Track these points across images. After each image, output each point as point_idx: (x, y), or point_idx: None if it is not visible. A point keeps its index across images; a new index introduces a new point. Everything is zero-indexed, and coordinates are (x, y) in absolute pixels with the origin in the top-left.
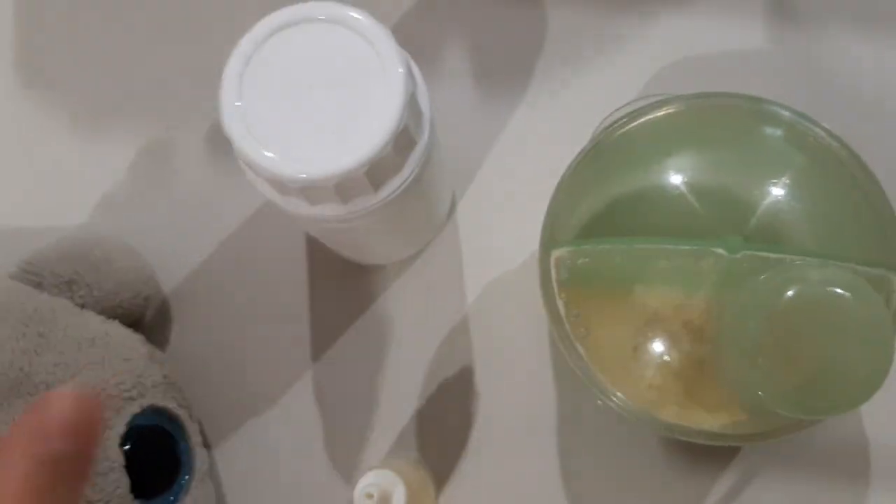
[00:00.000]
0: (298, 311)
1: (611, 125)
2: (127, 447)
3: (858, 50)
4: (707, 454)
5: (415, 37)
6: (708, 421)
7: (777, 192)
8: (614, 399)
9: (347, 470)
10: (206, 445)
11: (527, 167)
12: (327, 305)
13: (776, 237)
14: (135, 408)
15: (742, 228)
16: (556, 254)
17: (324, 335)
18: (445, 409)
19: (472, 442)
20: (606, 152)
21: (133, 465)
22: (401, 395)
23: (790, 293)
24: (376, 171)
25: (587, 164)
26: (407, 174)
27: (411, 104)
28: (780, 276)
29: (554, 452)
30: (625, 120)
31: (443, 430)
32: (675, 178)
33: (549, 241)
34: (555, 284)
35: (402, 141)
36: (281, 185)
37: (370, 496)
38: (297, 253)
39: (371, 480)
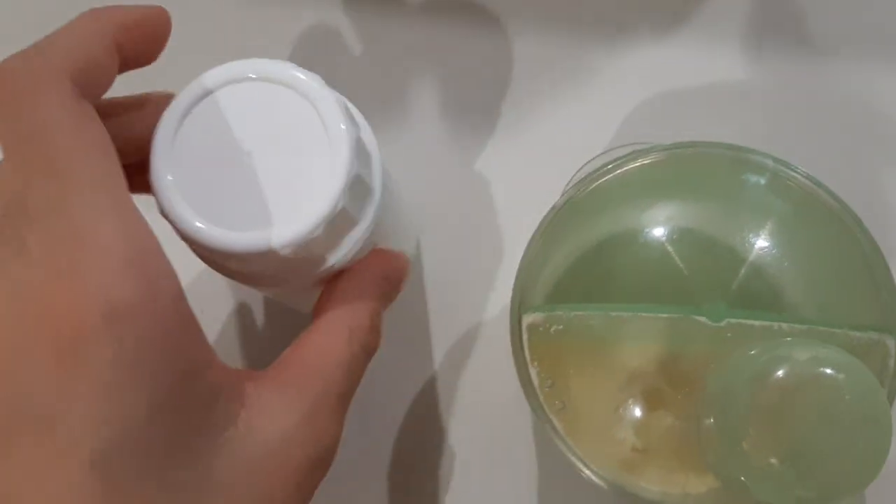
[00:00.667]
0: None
1: (584, 178)
2: None
3: (845, 78)
4: None
5: (375, 79)
6: (696, 484)
7: (762, 247)
8: (595, 471)
9: None
10: None
11: (497, 213)
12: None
13: (762, 298)
14: None
15: (726, 290)
16: (527, 319)
17: None
18: (417, 463)
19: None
20: (580, 208)
21: None
22: (369, 455)
23: (777, 374)
24: (312, 248)
25: (559, 221)
26: (348, 247)
27: (356, 185)
28: (766, 355)
29: None
30: (598, 173)
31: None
32: (654, 235)
33: (519, 304)
34: (527, 352)
35: (341, 222)
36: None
37: None
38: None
39: None
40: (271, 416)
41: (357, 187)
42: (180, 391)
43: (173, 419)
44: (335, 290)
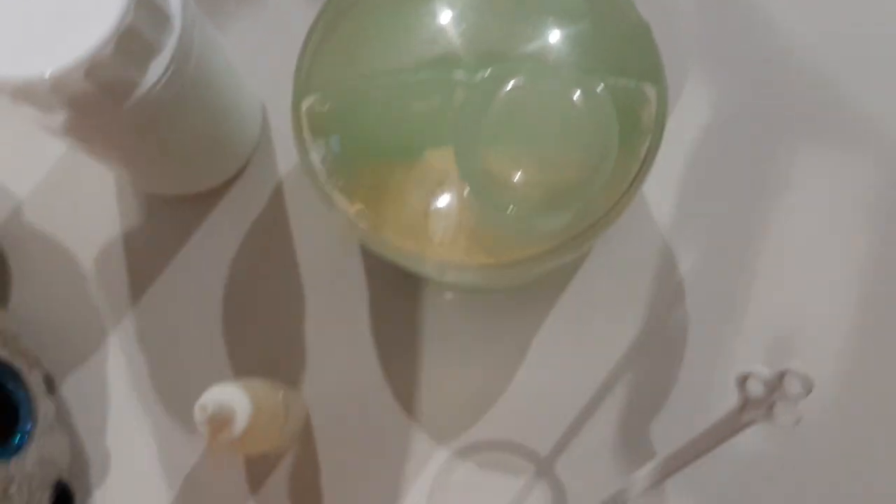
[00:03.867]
0: (115, 250)
1: None
2: None
3: None
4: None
5: None
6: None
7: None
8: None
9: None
10: (52, 393)
11: None
12: (142, 243)
13: (522, 51)
14: None
15: (495, 54)
16: (306, 104)
17: (142, 274)
18: (275, 332)
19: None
20: None
21: None
22: (232, 323)
23: (509, 86)
24: (111, 72)
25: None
26: (151, 82)
27: (148, 7)
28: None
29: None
30: None
31: (284, 345)
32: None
33: (299, 91)
34: (306, 135)
35: (134, 45)
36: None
37: (204, 409)
38: (108, 192)
39: (210, 395)
40: None
41: (150, 11)
42: None
43: None
44: None
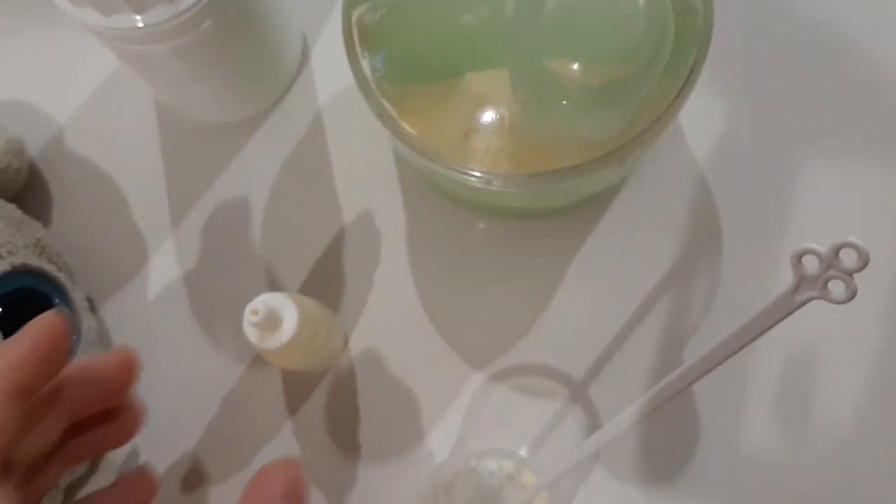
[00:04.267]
0: (156, 176)
1: None
2: None
3: None
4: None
5: None
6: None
7: None
8: (425, 151)
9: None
10: (94, 312)
11: None
12: (182, 169)
13: None
14: (4, 265)
15: None
16: (356, 14)
17: (182, 199)
18: (313, 258)
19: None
20: None
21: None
22: (271, 248)
23: None
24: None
25: None
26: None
27: None
28: None
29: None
30: None
31: (323, 271)
32: None
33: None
34: (357, 45)
35: None
36: None
37: (255, 312)
38: (149, 117)
39: (261, 300)
40: None
41: None
42: None
43: None
44: None
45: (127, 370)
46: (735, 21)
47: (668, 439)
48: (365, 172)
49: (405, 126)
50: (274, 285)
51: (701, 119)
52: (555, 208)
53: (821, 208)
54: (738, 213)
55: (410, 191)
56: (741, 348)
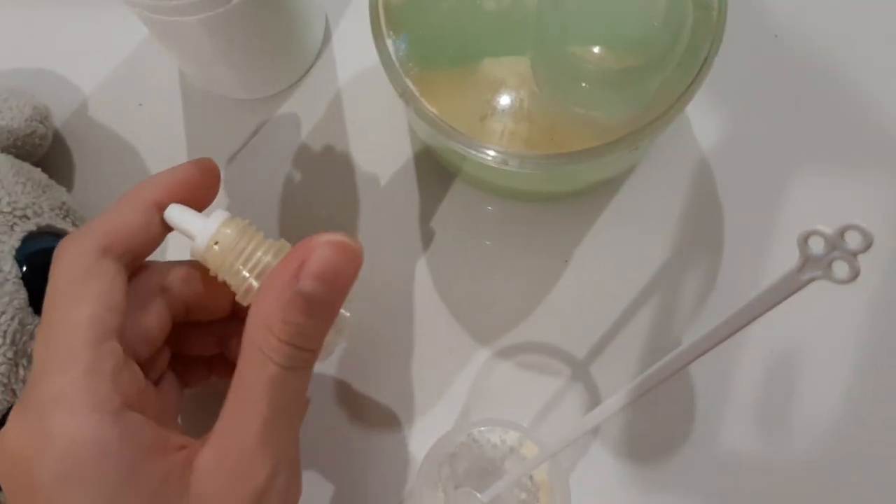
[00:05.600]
0: (177, 148)
1: None
2: (24, 268)
3: None
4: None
5: None
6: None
7: None
8: (448, 126)
9: None
10: None
11: None
12: (203, 142)
13: None
14: (30, 226)
15: None
16: None
17: None
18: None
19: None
20: None
21: (42, 287)
22: (288, 221)
23: None
24: None
25: None
26: None
27: None
28: None
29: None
30: None
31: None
32: None
33: None
34: (384, 25)
35: None
36: None
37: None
38: (173, 91)
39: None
40: (210, 479)
41: None
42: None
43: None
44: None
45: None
46: (746, 17)
47: (663, 418)
48: (381, 153)
49: (425, 103)
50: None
51: (707, 111)
52: (565, 192)
53: (821, 197)
54: (741, 202)
55: (425, 172)
56: (744, 325)
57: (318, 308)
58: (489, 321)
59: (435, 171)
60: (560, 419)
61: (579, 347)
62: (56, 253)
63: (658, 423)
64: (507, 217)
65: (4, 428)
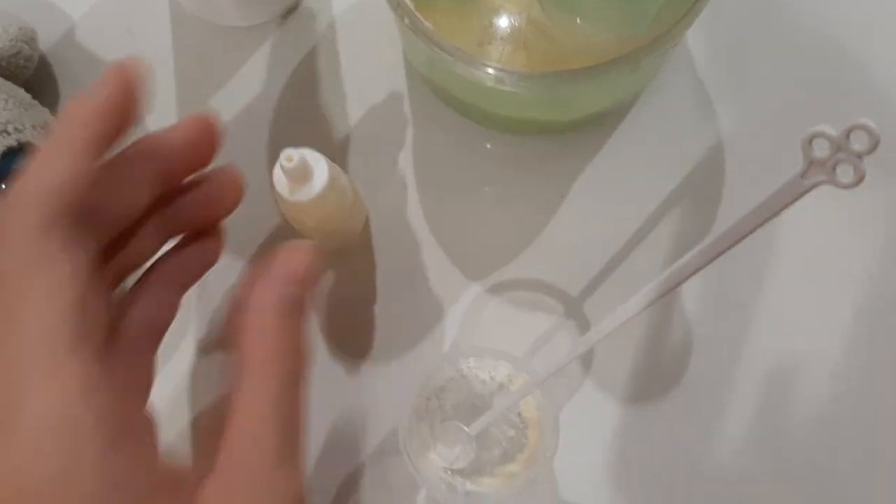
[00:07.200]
0: (167, 76)
1: None
2: (3, 186)
3: None
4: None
5: None
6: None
7: None
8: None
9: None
10: None
11: None
12: (193, 70)
13: None
14: (10, 141)
15: None
16: None
17: (191, 100)
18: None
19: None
20: None
21: None
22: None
23: None
24: None
25: None
26: None
27: None
28: None
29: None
30: None
31: None
32: None
33: None
34: None
35: None
36: None
37: (290, 159)
38: (163, 18)
39: (297, 150)
40: None
41: None
42: None
43: None
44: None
45: (208, 133)
46: None
47: (657, 357)
48: (375, 83)
49: (420, 17)
50: None
51: (709, 49)
52: (564, 123)
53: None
54: (743, 144)
55: (420, 103)
56: (747, 234)
57: (298, 307)
58: (482, 256)
59: (431, 103)
60: (552, 355)
61: (573, 285)
62: None
63: (652, 358)
64: (503, 152)
65: None
